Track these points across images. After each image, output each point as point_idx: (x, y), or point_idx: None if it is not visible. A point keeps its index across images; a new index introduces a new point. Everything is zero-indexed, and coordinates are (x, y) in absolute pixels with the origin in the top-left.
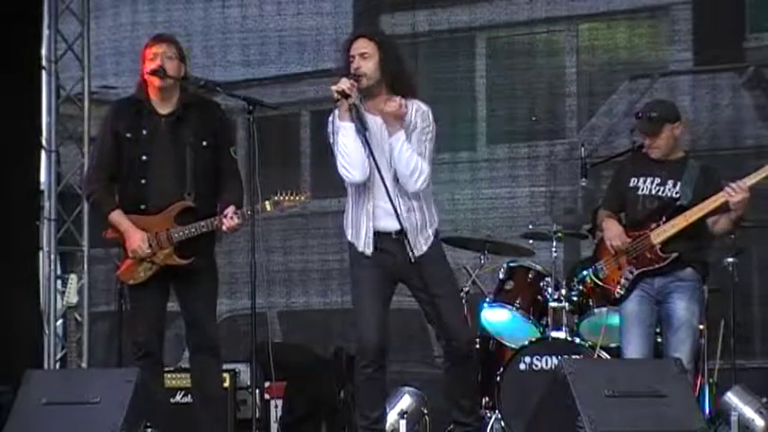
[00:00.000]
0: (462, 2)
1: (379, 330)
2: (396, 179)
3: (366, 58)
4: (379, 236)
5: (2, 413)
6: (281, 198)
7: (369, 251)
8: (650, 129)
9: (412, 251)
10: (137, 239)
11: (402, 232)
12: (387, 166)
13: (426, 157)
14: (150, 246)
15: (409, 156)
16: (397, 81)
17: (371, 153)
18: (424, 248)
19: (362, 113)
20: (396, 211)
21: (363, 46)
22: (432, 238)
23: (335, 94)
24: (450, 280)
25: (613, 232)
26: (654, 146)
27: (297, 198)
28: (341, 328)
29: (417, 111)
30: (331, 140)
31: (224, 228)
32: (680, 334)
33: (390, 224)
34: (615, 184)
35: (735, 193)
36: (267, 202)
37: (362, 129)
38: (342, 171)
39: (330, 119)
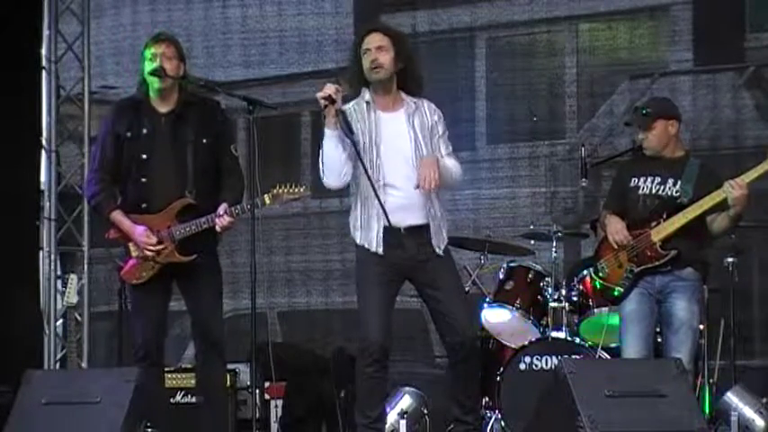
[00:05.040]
0: (462, 2)
1: (383, 330)
2: (410, 176)
3: (383, 51)
4: (388, 231)
5: (2, 413)
6: (280, 191)
7: (381, 250)
8: (643, 123)
9: (433, 244)
10: (140, 234)
11: (413, 228)
12: (400, 163)
13: (452, 152)
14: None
15: (450, 170)
16: (408, 78)
17: (359, 156)
18: (442, 246)
19: (348, 119)
20: (385, 212)
21: (379, 39)
22: (446, 240)
23: (322, 101)
24: (457, 277)
25: (616, 227)
26: (646, 141)
27: (296, 191)
28: (342, 329)
29: (434, 111)
30: None
31: (216, 227)
32: (680, 334)
33: (400, 219)
34: (616, 184)
35: (733, 189)
36: (266, 196)
37: (349, 133)
38: (321, 176)
39: None
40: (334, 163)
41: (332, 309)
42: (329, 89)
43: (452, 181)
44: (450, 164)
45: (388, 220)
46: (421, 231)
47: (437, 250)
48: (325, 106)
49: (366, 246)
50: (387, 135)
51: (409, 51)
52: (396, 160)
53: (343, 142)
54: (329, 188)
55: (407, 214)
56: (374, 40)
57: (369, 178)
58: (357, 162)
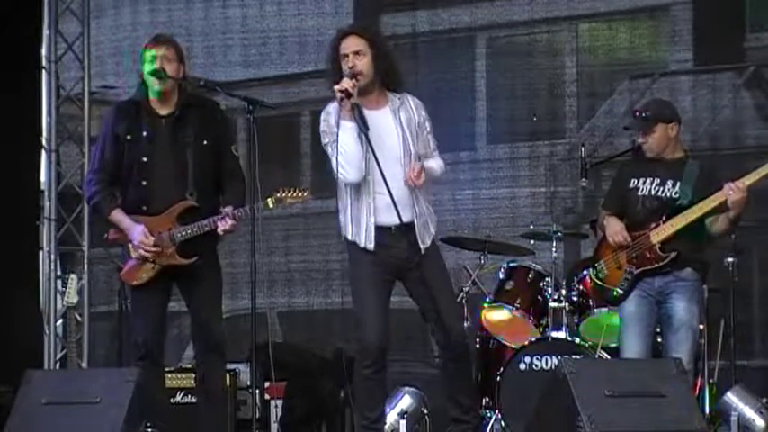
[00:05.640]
0: (463, 2)
1: (381, 331)
2: (397, 173)
3: (360, 56)
4: (378, 230)
5: (2, 413)
6: (283, 195)
7: (371, 246)
8: (643, 127)
9: (419, 242)
10: (138, 234)
11: (403, 226)
12: (388, 160)
13: (437, 147)
14: (155, 244)
15: (433, 171)
16: (388, 76)
17: (372, 151)
18: (428, 242)
19: (363, 113)
20: (395, 206)
21: (355, 44)
22: (433, 235)
23: (338, 94)
24: (446, 275)
25: (615, 228)
26: (646, 144)
27: (298, 195)
28: (341, 329)
29: (421, 106)
30: (325, 140)
31: (219, 230)
32: (680, 335)
33: (390, 218)
34: (616, 185)
35: (733, 192)
36: (269, 200)
37: (364, 129)
38: (339, 170)
39: (323, 117)
40: (354, 157)
41: (332, 309)
42: (346, 83)
43: (434, 179)
44: (435, 165)
45: (399, 216)
46: (409, 229)
47: (422, 245)
48: (341, 99)
49: (356, 241)
50: (374, 133)
51: (387, 49)
52: (384, 158)
53: (360, 136)
54: (349, 183)
55: (394, 213)
56: (351, 45)
57: (380, 170)
58: None
